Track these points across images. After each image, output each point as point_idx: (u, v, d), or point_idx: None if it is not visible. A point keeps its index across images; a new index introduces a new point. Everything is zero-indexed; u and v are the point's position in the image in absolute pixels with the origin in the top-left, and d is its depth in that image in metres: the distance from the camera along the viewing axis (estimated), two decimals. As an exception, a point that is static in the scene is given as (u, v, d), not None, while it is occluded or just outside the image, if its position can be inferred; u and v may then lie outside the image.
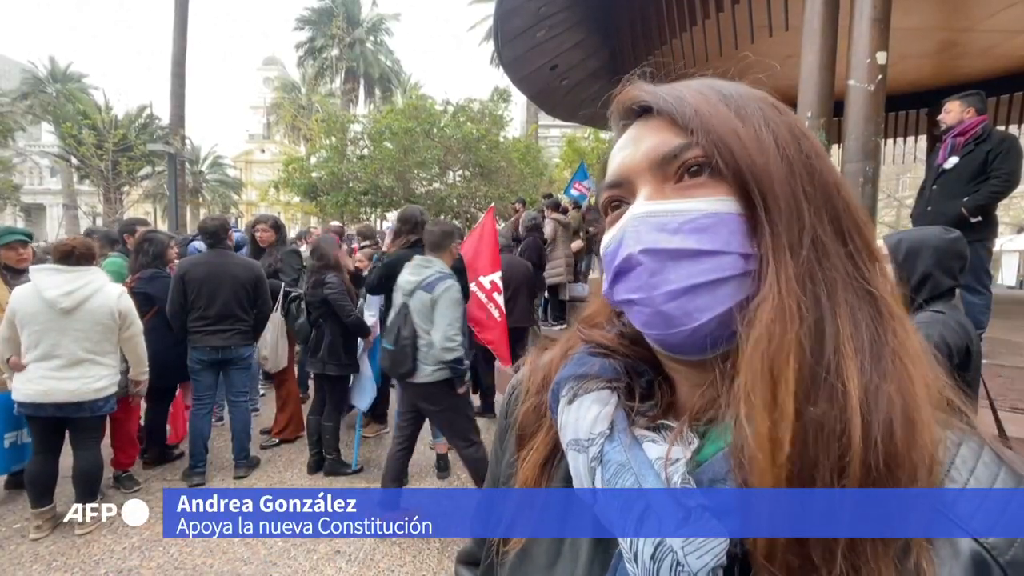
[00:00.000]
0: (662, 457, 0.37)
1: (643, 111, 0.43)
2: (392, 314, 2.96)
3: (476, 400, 4.65)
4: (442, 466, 3.66)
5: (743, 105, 0.40)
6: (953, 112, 3.21)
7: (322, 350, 3.49)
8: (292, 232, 9.34)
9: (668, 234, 0.38)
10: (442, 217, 13.24)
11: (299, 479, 3.56)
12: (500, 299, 4.21)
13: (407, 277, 2.93)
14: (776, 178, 0.37)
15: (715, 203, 0.38)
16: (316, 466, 3.62)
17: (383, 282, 3.31)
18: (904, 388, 0.33)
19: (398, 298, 2.95)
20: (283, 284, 4.02)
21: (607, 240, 0.43)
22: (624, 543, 0.37)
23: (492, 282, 4.22)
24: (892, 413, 0.32)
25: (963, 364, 1.65)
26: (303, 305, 3.65)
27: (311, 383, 4.21)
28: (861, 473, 0.31)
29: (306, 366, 3.45)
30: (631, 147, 0.43)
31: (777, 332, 0.34)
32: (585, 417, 0.42)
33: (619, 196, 0.44)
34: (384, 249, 3.85)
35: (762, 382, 0.33)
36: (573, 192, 7.58)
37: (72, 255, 2.77)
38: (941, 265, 1.68)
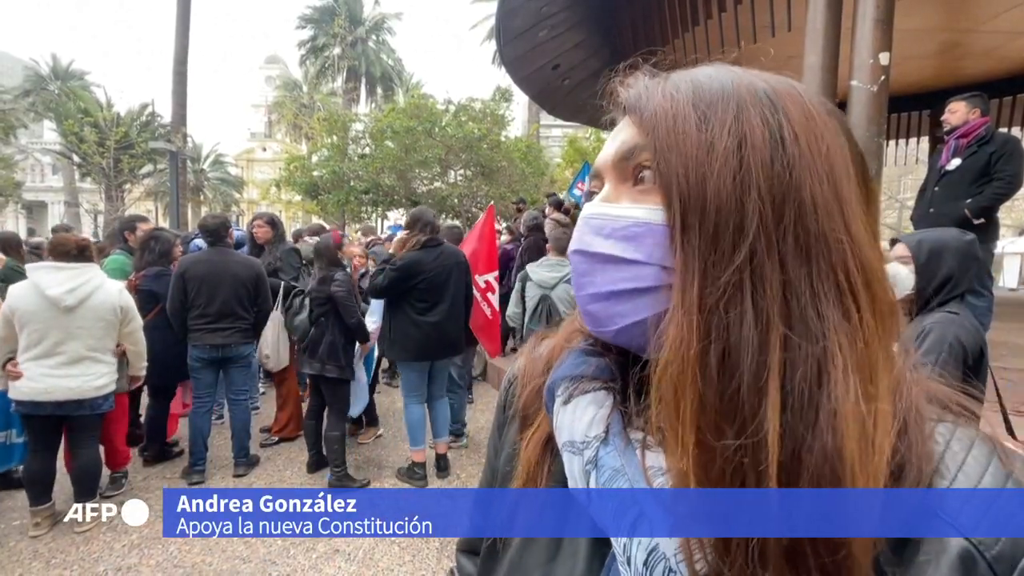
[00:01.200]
0: (652, 466, 0.37)
1: (623, 109, 0.43)
2: (531, 306, 3.83)
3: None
4: (442, 466, 3.65)
5: (716, 106, 0.36)
6: (959, 112, 3.20)
7: (321, 349, 3.36)
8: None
9: (601, 238, 0.40)
10: (443, 216, 13.27)
11: (299, 478, 3.56)
12: (494, 298, 4.27)
13: (546, 274, 3.82)
14: (710, 192, 0.34)
15: (649, 212, 0.38)
16: (316, 465, 3.56)
17: (398, 284, 3.33)
18: (832, 450, 0.30)
19: (534, 292, 3.80)
20: (283, 281, 4.01)
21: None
22: (617, 547, 0.37)
23: (487, 282, 4.21)
24: (814, 478, 0.30)
25: (976, 365, 1.64)
26: (305, 301, 3.49)
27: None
28: (775, 540, 0.30)
29: (302, 367, 3.35)
30: (609, 142, 0.43)
31: (677, 353, 0.33)
32: (581, 419, 0.42)
33: (595, 189, 0.45)
34: (391, 251, 3.82)
35: (665, 404, 0.34)
36: (576, 192, 7.58)
37: (70, 252, 2.77)
38: (962, 267, 1.69)
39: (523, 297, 3.95)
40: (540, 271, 3.85)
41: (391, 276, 3.31)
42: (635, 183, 0.40)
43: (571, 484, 0.42)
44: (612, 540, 0.38)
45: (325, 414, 3.55)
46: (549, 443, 0.47)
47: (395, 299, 3.39)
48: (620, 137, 0.42)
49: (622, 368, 0.44)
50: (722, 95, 0.37)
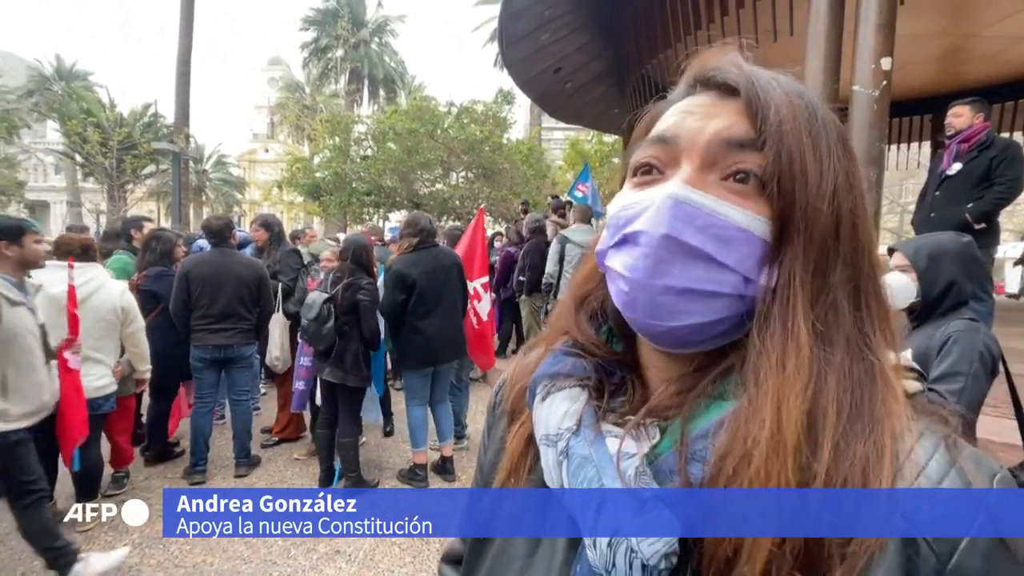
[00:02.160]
0: (620, 452, 0.39)
1: (723, 87, 0.41)
2: (572, 265, 4.49)
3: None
4: (447, 469, 3.64)
5: (823, 136, 0.38)
6: (964, 116, 3.19)
7: (348, 360, 3.24)
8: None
9: (693, 228, 0.37)
10: (445, 218, 13.29)
11: (300, 479, 3.56)
12: (480, 306, 4.22)
13: (585, 237, 4.67)
14: (822, 223, 0.37)
15: (751, 219, 0.37)
16: (327, 479, 3.41)
17: (397, 292, 3.33)
18: (868, 454, 0.33)
19: (575, 251, 4.71)
20: (280, 283, 4.00)
21: (626, 202, 0.41)
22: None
23: (475, 289, 4.16)
24: (852, 474, 0.33)
25: (994, 372, 1.63)
26: (332, 309, 3.25)
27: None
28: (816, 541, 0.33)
29: (322, 375, 3.26)
30: (699, 117, 0.40)
31: (790, 373, 0.34)
32: (555, 413, 0.43)
33: (655, 159, 0.41)
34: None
35: (771, 419, 0.34)
36: (578, 193, 7.58)
37: (74, 251, 2.78)
38: (965, 271, 1.66)
39: (561, 258, 4.87)
40: (578, 235, 4.87)
41: (389, 288, 3.33)
42: (726, 176, 0.38)
43: (546, 476, 0.43)
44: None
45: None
46: (532, 438, 0.49)
47: (402, 303, 3.38)
48: (724, 119, 0.39)
49: (598, 367, 0.46)
50: (824, 127, 0.39)
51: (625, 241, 0.40)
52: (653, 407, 0.41)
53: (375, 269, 3.54)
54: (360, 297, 3.23)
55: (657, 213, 0.38)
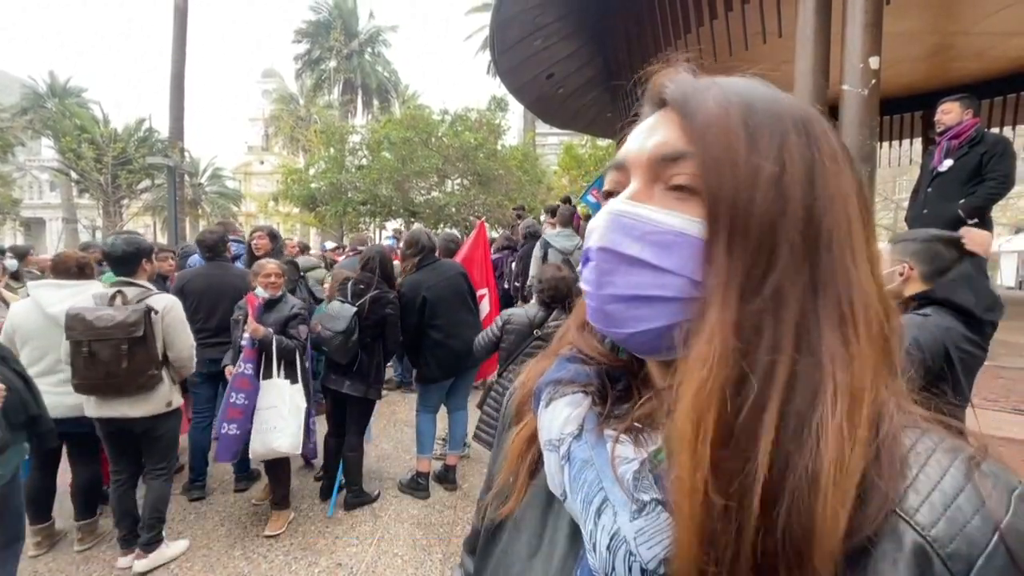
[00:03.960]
0: (620, 456, 0.39)
1: (663, 103, 0.43)
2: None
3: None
4: (450, 478, 3.63)
5: (764, 128, 0.37)
6: (953, 113, 3.22)
7: (372, 373, 3.21)
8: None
9: (631, 239, 0.39)
10: (441, 225, 13.29)
11: (299, 492, 3.54)
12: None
13: (565, 242, 4.87)
14: (755, 218, 0.35)
15: (686, 222, 0.38)
16: (329, 491, 3.36)
17: (411, 309, 3.39)
18: (814, 470, 0.32)
19: (555, 256, 4.73)
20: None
21: (589, 227, 0.44)
22: (586, 534, 0.39)
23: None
24: (793, 496, 0.31)
25: (943, 369, 1.61)
26: (358, 322, 3.14)
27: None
28: (752, 551, 0.32)
29: (340, 388, 3.18)
30: (642, 136, 0.42)
31: (705, 374, 0.34)
32: (558, 418, 0.45)
33: (616, 184, 0.44)
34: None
35: (688, 423, 0.34)
36: (590, 198, 7.57)
37: (70, 269, 2.77)
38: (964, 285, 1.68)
39: (544, 261, 4.79)
40: (560, 240, 4.93)
41: (401, 306, 3.34)
42: (669, 187, 0.39)
43: (549, 480, 0.44)
44: (582, 529, 0.40)
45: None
46: (533, 439, 0.50)
47: (416, 325, 3.41)
48: (660, 135, 0.41)
49: (601, 374, 0.47)
50: (769, 118, 0.38)
51: (585, 259, 0.43)
52: (646, 413, 0.42)
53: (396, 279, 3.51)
54: (388, 312, 3.23)
55: (599, 229, 0.41)
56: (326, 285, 3.70)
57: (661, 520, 0.35)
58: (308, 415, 3.18)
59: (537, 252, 5.04)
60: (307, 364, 3.19)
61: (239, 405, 2.90)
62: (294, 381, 3.00)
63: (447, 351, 3.45)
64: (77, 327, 2.40)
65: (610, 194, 0.45)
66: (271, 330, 2.96)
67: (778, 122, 0.38)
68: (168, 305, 2.65)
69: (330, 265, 5.84)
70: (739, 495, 0.32)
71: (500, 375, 3.08)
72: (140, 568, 2.63)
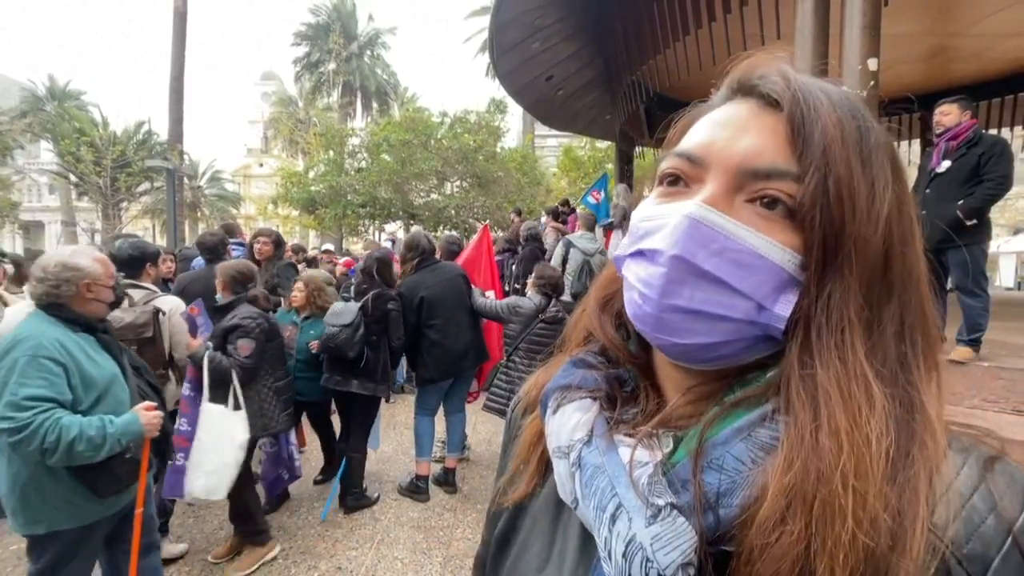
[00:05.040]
0: (633, 460, 0.38)
1: (765, 99, 0.39)
2: (574, 268, 5.09)
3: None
4: (450, 481, 3.63)
5: (875, 158, 0.36)
6: (952, 114, 3.22)
7: (379, 371, 3.24)
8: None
9: (708, 252, 0.36)
10: (440, 228, 13.31)
11: (301, 491, 3.53)
12: None
13: (587, 244, 5.24)
14: (871, 253, 0.34)
15: (774, 248, 0.36)
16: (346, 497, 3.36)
17: (408, 311, 3.42)
18: (909, 501, 0.31)
19: (578, 257, 5.11)
20: (282, 297, 3.99)
21: (648, 213, 0.41)
22: (600, 542, 0.38)
23: None
24: (886, 524, 0.31)
25: None
26: (362, 318, 3.18)
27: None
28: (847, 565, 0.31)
29: (351, 388, 3.16)
30: (731, 131, 0.38)
31: (862, 408, 0.33)
32: (567, 425, 0.43)
33: (682, 172, 0.40)
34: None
35: (846, 451, 0.32)
36: (591, 200, 7.58)
37: None
38: None
39: (564, 260, 5.16)
40: (582, 242, 5.27)
41: (401, 307, 3.36)
42: (755, 200, 0.37)
43: (559, 487, 0.43)
44: (595, 536, 0.39)
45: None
46: (542, 434, 0.49)
47: (414, 325, 3.43)
48: (755, 140, 0.37)
49: (609, 378, 0.46)
50: (876, 147, 0.36)
51: (641, 254, 0.40)
52: (666, 417, 0.41)
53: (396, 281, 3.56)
54: (390, 307, 3.28)
55: (673, 233, 0.37)
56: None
57: (678, 525, 0.34)
58: (285, 442, 3.16)
59: (560, 250, 5.29)
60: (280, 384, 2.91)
61: (183, 432, 2.57)
62: (236, 407, 2.63)
63: (443, 351, 3.44)
64: None
65: (670, 178, 0.41)
66: (209, 344, 2.67)
67: (881, 153, 0.36)
68: (174, 306, 2.69)
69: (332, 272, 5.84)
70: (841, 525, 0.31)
71: (509, 357, 3.36)
72: None
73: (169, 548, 2.78)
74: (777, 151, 0.36)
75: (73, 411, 1.68)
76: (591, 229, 5.58)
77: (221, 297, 2.90)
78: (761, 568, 0.32)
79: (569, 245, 5.25)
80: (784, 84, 0.38)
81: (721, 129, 0.39)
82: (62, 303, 1.78)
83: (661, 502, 0.35)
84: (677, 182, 0.41)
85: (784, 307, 0.36)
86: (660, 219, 0.39)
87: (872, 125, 0.37)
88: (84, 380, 1.73)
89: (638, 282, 0.39)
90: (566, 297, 3.98)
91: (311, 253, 7.82)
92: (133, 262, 2.70)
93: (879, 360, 0.34)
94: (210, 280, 3.49)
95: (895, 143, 0.38)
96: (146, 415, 1.79)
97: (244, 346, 2.67)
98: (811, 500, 0.31)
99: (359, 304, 3.19)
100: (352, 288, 3.37)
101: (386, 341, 3.31)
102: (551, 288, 3.51)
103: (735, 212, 0.37)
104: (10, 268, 4.22)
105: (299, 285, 3.42)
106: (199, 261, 4.37)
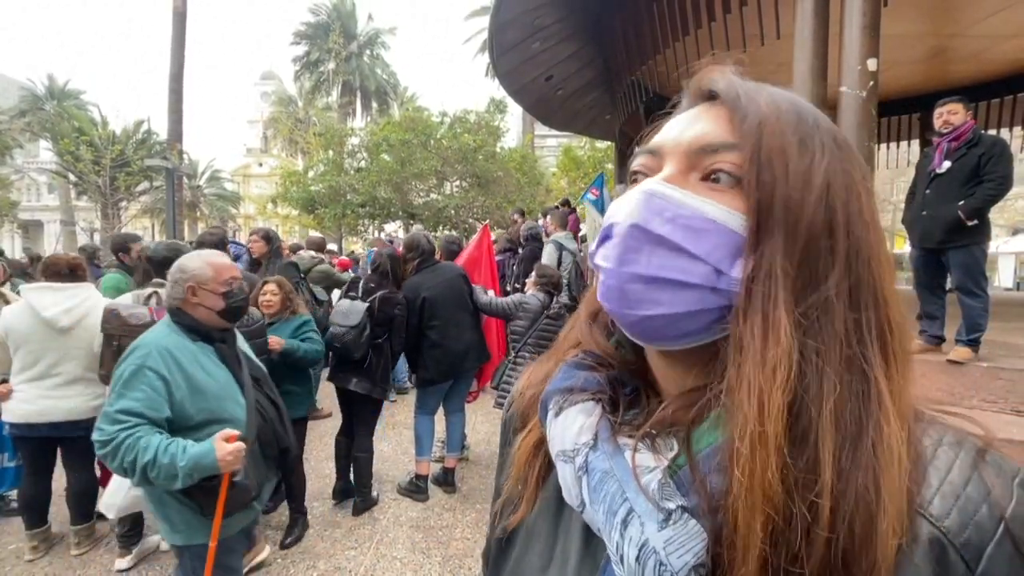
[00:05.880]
0: (640, 465, 0.39)
1: (711, 97, 0.43)
2: (567, 269, 5.17)
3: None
4: (449, 480, 3.62)
5: (813, 135, 0.38)
6: (960, 114, 3.21)
7: (379, 372, 3.25)
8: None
9: (661, 219, 0.38)
10: (440, 228, 13.30)
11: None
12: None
13: (571, 244, 5.38)
14: (804, 224, 0.36)
15: (722, 212, 0.38)
16: (344, 493, 3.40)
17: (411, 311, 3.41)
18: (874, 484, 0.33)
19: (568, 256, 5.30)
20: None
21: (612, 206, 0.43)
22: (611, 546, 0.38)
23: None
24: (856, 509, 0.32)
25: None
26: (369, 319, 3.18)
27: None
28: (821, 557, 0.32)
29: (347, 386, 3.18)
30: (683, 123, 0.42)
31: (778, 374, 0.34)
32: (570, 428, 0.43)
33: (646, 167, 0.44)
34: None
35: (743, 407, 0.34)
36: (590, 196, 7.59)
37: (61, 272, 2.75)
38: None
39: (559, 262, 5.18)
40: (569, 243, 5.43)
41: (407, 311, 3.36)
42: (705, 177, 0.40)
43: (564, 491, 0.43)
44: (606, 540, 0.39)
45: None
46: (540, 445, 0.49)
47: (415, 326, 3.43)
48: (702, 126, 0.41)
49: (610, 380, 0.46)
50: (815, 130, 0.39)
51: (606, 236, 0.42)
52: (661, 419, 0.41)
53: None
54: (397, 312, 3.28)
55: (629, 205, 0.40)
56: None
57: (690, 527, 0.35)
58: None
59: (553, 252, 5.33)
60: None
61: None
62: None
63: (443, 352, 3.44)
64: (112, 322, 2.45)
65: (636, 176, 0.45)
66: None
67: (823, 135, 0.39)
68: None
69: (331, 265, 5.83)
70: (804, 499, 0.33)
71: (517, 353, 3.41)
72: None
73: (151, 539, 2.78)
74: (720, 131, 0.40)
75: (181, 429, 1.60)
76: (565, 227, 5.56)
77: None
78: (735, 554, 0.33)
79: (560, 247, 5.28)
80: (725, 81, 0.42)
81: (675, 124, 0.43)
82: (178, 307, 1.72)
83: (672, 505, 0.36)
84: (640, 177, 0.44)
85: (738, 270, 0.37)
86: (622, 202, 0.42)
87: (815, 115, 0.40)
88: (194, 393, 1.64)
89: (602, 261, 0.41)
90: (563, 298, 3.99)
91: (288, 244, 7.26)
92: (167, 263, 2.66)
93: (818, 324, 0.35)
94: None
95: (874, 142, 0.40)
96: (223, 448, 1.57)
97: None
98: (742, 466, 0.33)
99: (366, 304, 3.18)
100: (360, 285, 3.36)
101: (389, 344, 3.32)
102: (552, 286, 3.58)
103: (690, 188, 0.39)
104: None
105: (272, 288, 3.10)
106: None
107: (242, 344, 1.94)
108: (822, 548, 0.32)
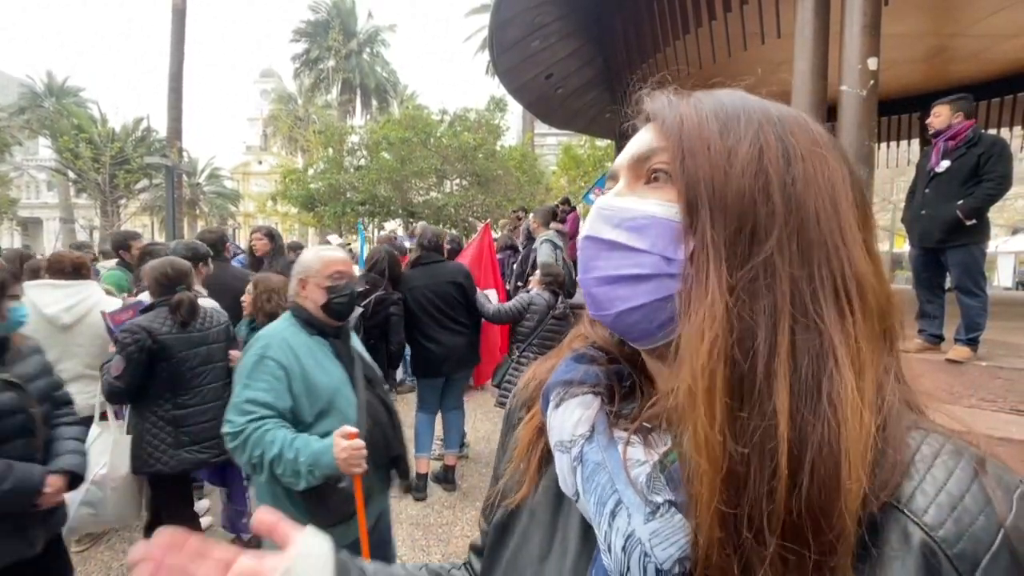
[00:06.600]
0: (632, 458, 0.40)
1: (646, 118, 0.47)
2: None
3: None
4: (449, 478, 3.63)
5: (737, 120, 0.40)
6: (942, 116, 3.23)
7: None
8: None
9: (610, 227, 0.43)
10: (439, 226, 13.29)
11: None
12: None
13: (560, 241, 5.19)
14: (731, 193, 0.38)
15: (657, 207, 0.41)
16: None
17: (404, 308, 3.41)
18: (832, 433, 0.33)
19: (559, 254, 5.09)
20: None
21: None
22: (600, 536, 0.40)
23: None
24: (818, 455, 0.33)
25: None
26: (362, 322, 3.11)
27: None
28: (784, 509, 0.33)
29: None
30: (629, 146, 0.47)
31: (710, 331, 0.35)
32: (569, 420, 0.45)
33: (611, 189, 0.48)
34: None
35: (690, 379, 0.35)
36: (592, 197, 7.60)
37: (65, 269, 2.75)
38: None
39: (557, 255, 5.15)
40: (559, 239, 5.34)
41: (403, 310, 3.37)
42: (648, 182, 0.43)
43: (560, 481, 0.45)
44: (596, 530, 0.41)
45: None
46: (543, 429, 0.50)
47: (409, 323, 3.44)
48: (639, 141, 0.45)
49: (609, 374, 0.48)
50: (742, 112, 0.41)
51: (579, 254, 0.46)
52: (652, 413, 0.42)
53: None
54: (392, 311, 3.26)
55: (588, 222, 0.45)
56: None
57: (675, 521, 0.36)
58: (240, 495, 2.85)
59: (549, 252, 5.27)
60: None
61: None
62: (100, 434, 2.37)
63: (427, 352, 3.47)
64: None
65: None
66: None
67: (751, 113, 0.41)
68: (211, 308, 2.67)
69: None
70: (760, 452, 0.33)
71: (522, 352, 3.44)
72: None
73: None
74: (653, 139, 0.44)
75: (295, 423, 1.55)
76: (548, 225, 5.46)
77: (147, 299, 2.59)
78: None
79: (555, 246, 5.17)
80: (656, 100, 0.45)
81: (626, 148, 0.47)
82: (295, 301, 1.71)
83: (659, 499, 0.37)
84: None
85: (682, 253, 0.39)
86: (586, 220, 0.47)
87: (747, 102, 0.42)
88: (308, 387, 1.59)
89: (579, 274, 0.46)
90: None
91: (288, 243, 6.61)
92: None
93: (756, 288, 0.36)
94: (209, 277, 3.49)
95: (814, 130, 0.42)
96: (341, 444, 1.46)
97: (114, 365, 2.20)
98: (685, 423, 0.36)
99: (360, 308, 3.12)
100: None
101: (385, 345, 3.29)
102: (557, 285, 3.59)
103: (636, 194, 0.44)
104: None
105: (247, 287, 2.89)
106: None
107: (356, 343, 1.89)
108: (784, 503, 0.32)
